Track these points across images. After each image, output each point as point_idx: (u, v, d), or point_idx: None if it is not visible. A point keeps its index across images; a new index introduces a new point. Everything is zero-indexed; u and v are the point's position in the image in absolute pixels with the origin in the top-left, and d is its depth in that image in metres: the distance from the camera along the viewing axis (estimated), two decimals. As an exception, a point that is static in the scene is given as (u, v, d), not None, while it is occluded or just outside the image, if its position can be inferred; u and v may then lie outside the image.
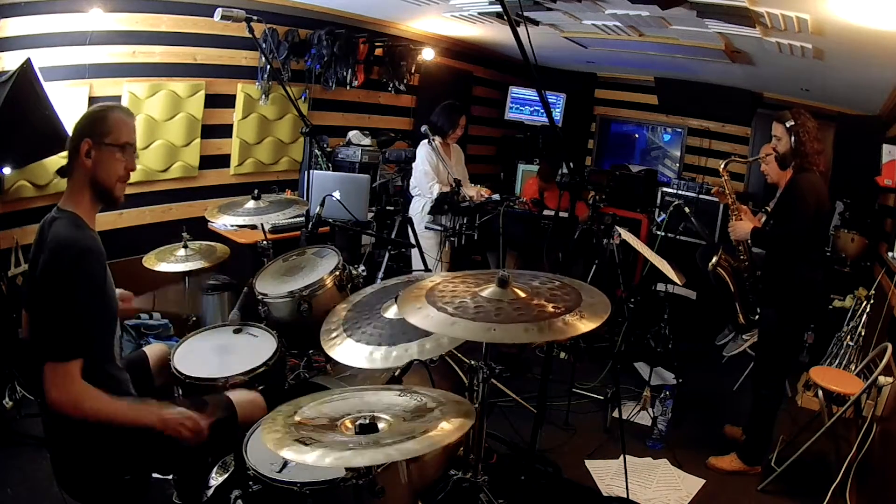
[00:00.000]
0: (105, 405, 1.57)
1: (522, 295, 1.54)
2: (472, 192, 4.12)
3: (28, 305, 1.70)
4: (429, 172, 3.94)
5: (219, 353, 2.27)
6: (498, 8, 3.81)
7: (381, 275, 3.67)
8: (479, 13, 4.36)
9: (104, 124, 1.62)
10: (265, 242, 2.89)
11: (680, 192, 5.35)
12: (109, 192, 1.67)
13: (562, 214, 5.07)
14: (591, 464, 3.03)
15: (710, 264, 3.09)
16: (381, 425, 1.47)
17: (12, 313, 2.87)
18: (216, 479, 2.08)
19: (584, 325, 1.42)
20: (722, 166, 3.13)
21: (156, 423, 1.63)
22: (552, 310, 1.47)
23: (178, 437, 1.65)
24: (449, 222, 3.89)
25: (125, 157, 1.66)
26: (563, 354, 4.19)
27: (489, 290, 1.56)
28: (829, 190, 2.86)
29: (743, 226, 2.96)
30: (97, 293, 1.59)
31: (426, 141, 3.95)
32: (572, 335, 1.43)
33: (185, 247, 3.03)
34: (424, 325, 1.46)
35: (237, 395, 1.90)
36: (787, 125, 2.78)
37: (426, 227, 3.94)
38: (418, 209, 4.00)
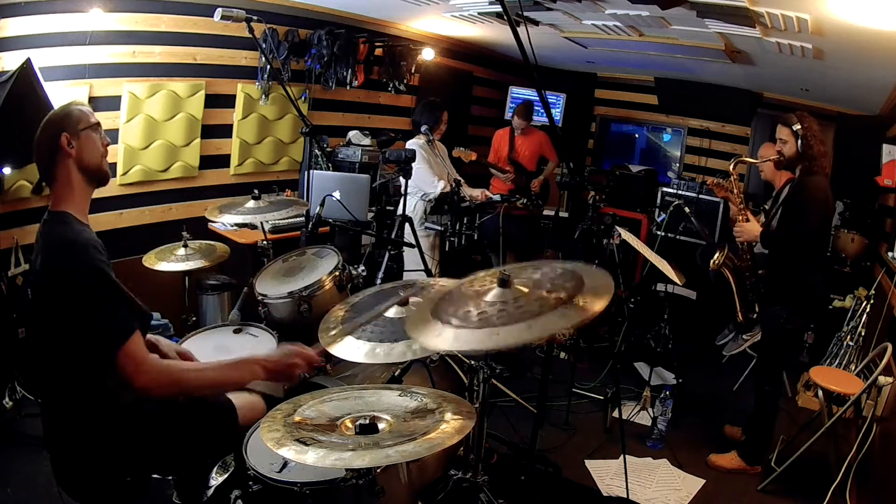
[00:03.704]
0: (195, 375, 1.63)
1: (525, 290, 1.52)
2: (476, 192, 4.12)
3: (35, 316, 1.67)
4: (427, 169, 3.94)
5: (219, 354, 2.27)
6: (498, 8, 3.81)
7: (381, 275, 3.66)
8: (479, 13, 4.36)
9: (71, 116, 1.68)
10: (265, 242, 2.89)
11: (680, 192, 5.35)
12: (98, 170, 1.73)
13: (562, 214, 5.07)
14: (591, 464, 3.03)
15: (714, 262, 3.09)
16: (381, 426, 1.47)
17: (12, 313, 2.88)
18: (216, 479, 2.08)
19: (588, 309, 1.39)
20: (731, 166, 3.12)
21: (260, 376, 1.67)
22: (554, 301, 1.44)
23: (292, 375, 1.72)
24: (440, 223, 3.89)
25: (99, 135, 1.74)
26: (563, 354, 4.19)
27: (493, 293, 1.53)
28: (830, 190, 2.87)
29: (751, 227, 2.95)
30: (110, 276, 1.59)
31: (424, 141, 3.96)
32: (579, 321, 1.39)
33: (185, 246, 3.03)
34: (435, 344, 1.43)
35: (238, 398, 1.90)
36: (794, 128, 2.78)
37: (426, 228, 3.94)
38: (410, 209, 3.99)
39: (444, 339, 1.42)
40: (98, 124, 1.74)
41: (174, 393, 1.60)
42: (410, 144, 4.01)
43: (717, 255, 3.13)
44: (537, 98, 6.40)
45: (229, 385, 1.68)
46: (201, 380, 1.66)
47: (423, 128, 3.93)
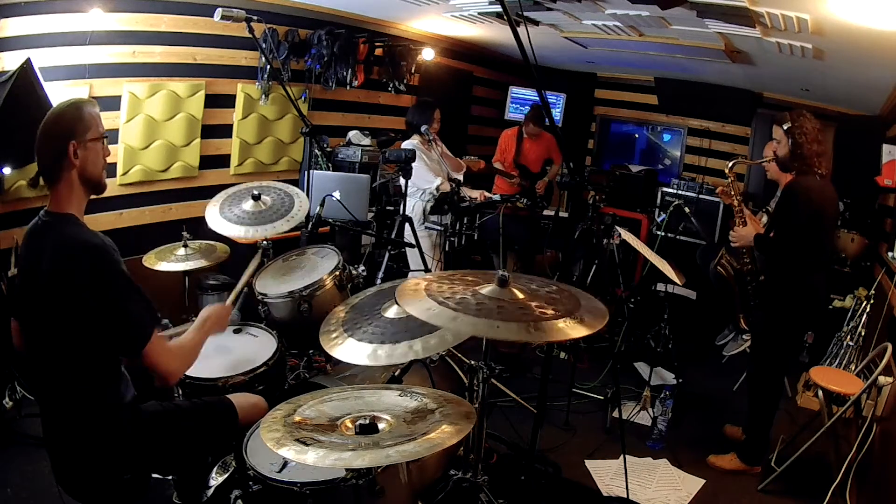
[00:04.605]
0: (194, 349, 1.78)
1: (521, 296, 1.53)
2: (476, 193, 4.12)
3: (38, 316, 1.66)
4: (423, 167, 3.95)
5: (219, 353, 2.27)
6: (498, 8, 3.81)
7: (381, 275, 3.66)
8: (479, 13, 4.36)
9: (82, 123, 1.65)
10: (265, 242, 2.89)
11: (680, 192, 5.35)
12: (98, 182, 1.73)
13: (562, 214, 5.06)
14: (591, 464, 3.03)
15: (712, 265, 3.08)
16: (381, 426, 1.47)
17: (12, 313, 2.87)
18: (216, 479, 2.08)
19: (585, 329, 1.42)
20: (728, 167, 3.09)
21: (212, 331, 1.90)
22: (552, 312, 1.46)
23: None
24: (440, 223, 3.89)
25: (104, 147, 1.73)
26: (563, 354, 4.19)
27: (489, 289, 1.55)
28: (830, 191, 2.83)
29: (746, 232, 2.91)
30: (131, 277, 1.64)
31: (418, 141, 3.95)
32: (573, 337, 1.43)
33: (185, 246, 3.03)
34: (426, 317, 1.44)
35: (239, 399, 1.90)
36: (785, 128, 2.74)
37: (426, 227, 3.94)
38: (410, 209, 3.98)
39: (437, 314, 1.43)
40: (104, 135, 1.71)
41: (188, 365, 1.77)
42: (406, 146, 4.02)
43: (717, 256, 3.11)
44: (537, 98, 6.41)
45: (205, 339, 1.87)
46: (197, 344, 1.81)
47: (423, 128, 3.93)
